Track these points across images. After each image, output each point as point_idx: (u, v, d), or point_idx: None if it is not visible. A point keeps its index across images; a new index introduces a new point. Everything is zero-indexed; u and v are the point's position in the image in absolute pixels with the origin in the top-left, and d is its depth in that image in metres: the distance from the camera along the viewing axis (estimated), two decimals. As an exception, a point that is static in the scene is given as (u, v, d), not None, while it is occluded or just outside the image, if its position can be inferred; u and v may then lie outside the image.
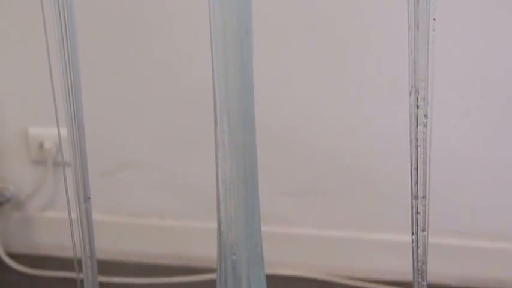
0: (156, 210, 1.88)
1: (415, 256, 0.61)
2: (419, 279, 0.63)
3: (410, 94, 0.58)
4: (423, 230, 0.60)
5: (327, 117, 1.73)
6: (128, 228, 1.90)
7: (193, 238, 1.86)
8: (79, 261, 0.68)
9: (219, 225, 0.64)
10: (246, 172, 0.64)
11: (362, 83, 1.69)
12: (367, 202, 1.77)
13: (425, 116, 0.58)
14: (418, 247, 0.61)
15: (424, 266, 0.63)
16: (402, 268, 1.69)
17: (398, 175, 1.68)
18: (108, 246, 1.87)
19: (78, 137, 0.69)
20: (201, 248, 1.82)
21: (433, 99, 0.62)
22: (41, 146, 1.88)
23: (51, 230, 1.94)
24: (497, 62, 1.62)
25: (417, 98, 0.58)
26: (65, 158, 0.78)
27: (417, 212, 0.59)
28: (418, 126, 0.59)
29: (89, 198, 0.67)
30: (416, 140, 0.59)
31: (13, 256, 1.89)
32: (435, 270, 1.47)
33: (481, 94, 1.65)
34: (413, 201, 0.59)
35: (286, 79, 1.72)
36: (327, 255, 1.81)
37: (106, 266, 1.77)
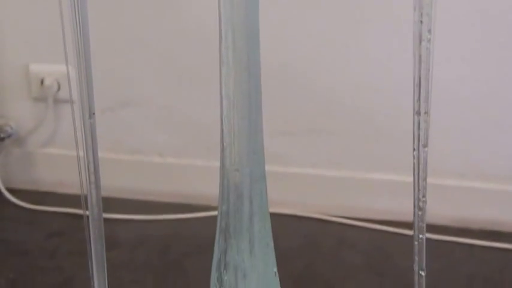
0: (156, 147, 1.89)
1: (415, 177, 0.61)
2: (419, 201, 0.63)
3: (414, 9, 0.58)
4: (424, 146, 0.61)
5: (326, 57, 1.73)
6: (127, 165, 1.91)
7: (193, 176, 1.88)
8: (85, 197, 0.69)
9: (222, 141, 0.65)
10: (249, 88, 0.64)
11: (362, 20, 1.69)
12: (365, 142, 1.78)
13: (429, 31, 0.59)
14: (419, 168, 0.62)
15: (423, 190, 0.64)
16: (399, 208, 1.71)
17: (398, 116, 1.69)
18: (108, 183, 1.86)
19: (86, 72, 0.69)
20: (201, 186, 1.84)
21: (436, 22, 0.62)
22: (41, 82, 1.88)
23: (51, 167, 1.95)
24: (498, 3, 1.62)
25: (421, 14, 0.58)
26: (72, 94, 0.78)
27: (419, 128, 0.60)
28: (422, 42, 0.59)
29: (94, 113, 0.68)
30: (420, 56, 0.60)
31: (13, 191, 1.91)
32: (431, 211, 1.48)
33: (482, 36, 1.65)
34: (415, 116, 0.60)
35: (285, 16, 1.72)
36: (324, 194, 1.82)
37: (105, 203, 1.78)
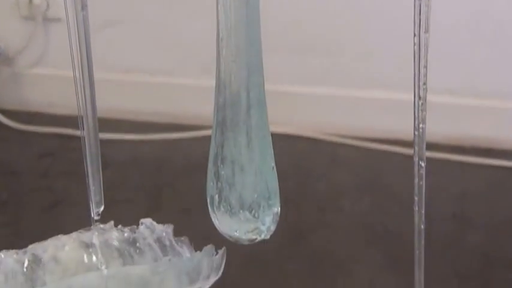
0: (147, 67, 1.87)
1: (416, 64, 0.59)
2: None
3: None
4: (425, 32, 0.59)
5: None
6: (118, 85, 1.89)
7: (185, 95, 1.86)
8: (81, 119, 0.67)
9: (219, 32, 0.62)
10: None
11: None
12: (358, 60, 1.77)
13: None
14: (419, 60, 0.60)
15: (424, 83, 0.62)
16: (392, 127, 1.71)
17: (392, 32, 1.67)
18: (99, 104, 1.86)
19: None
20: (193, 105, 1.83)
21: None
22: (30, 1, 1.85)
23: (41, 87, 1.93)
24: None
25: None
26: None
27: (419, 13, 0.57)
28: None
29: (86, 6, 0.65)
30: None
31: (3, 112, 1.89)
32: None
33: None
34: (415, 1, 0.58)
35: None
36: (316, 112, 1.81)
37: (99, 123, 1.76)
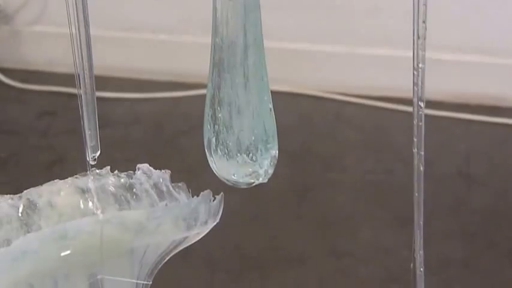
0: (148, 24, 1.85)
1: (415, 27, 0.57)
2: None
3: None
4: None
5: None
6: (119, 43, 1.87)
7: (186, 53, 1.84)
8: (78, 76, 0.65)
9: None
10: None
11: None
12: (363, 17, 1.74)
13: None
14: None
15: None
16: (397, 85, 1.68)
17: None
18: (100, 62, 1.83)
19: None
20: (194, 63, 1.79)
21: None
22: (28, -43, 1.82)
23: (40, 45, 1.90)
24: None
25: None
26: None
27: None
28: None
29: None
30: None
31: (2, 70, 1.87)
32: (428, 86, 1.45)
33: None
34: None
35: None
36: (321, 70, 1.79)
37: (98, 82, 1.74)
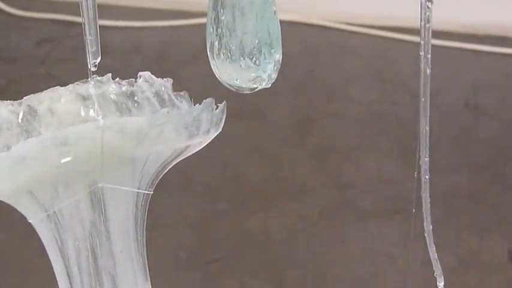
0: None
1: None
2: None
3: None
4: None
5: None
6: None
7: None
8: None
9: None
10: None
11: None
12: None
13: None
14: None
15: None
16: (403, 14, 1.65)
17: None
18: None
19: None
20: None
21: None
22: None
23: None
24: None
25: None
26: None
27: None
28: None
29: None
30: None
31: (2, -1, 1.85)
32: (436, 17, 1.42)
33: None
34: None
35: None
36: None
37: (98, 10, 1.72)
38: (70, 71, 1.55)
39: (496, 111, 1.50)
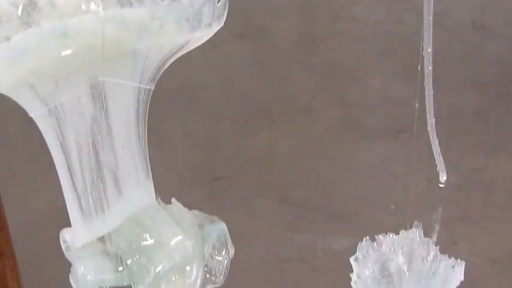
0: None
1: None
2: None
3: None
4: None
5: None
6: None
7: None
8: None
9: None
10: None
11: None
12: None
13: None
14: None
15: None
16: None
17: None
18: None
19: None
20: None
21: None
22: None
23: None
24: None
25: None
26: None
27: None
28: None
29: None
30: None
31: None
32: None
33: None
34: None
35: None
36: None
37: None
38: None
39: (503, 30, 1.48)
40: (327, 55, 1.49)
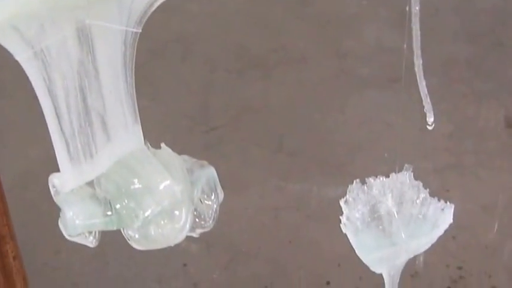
0: None
1: None
2: None
3: None
4: None
5: None
6: None
7: None
8: None
9: None
10: None
11: None
12: None
13: None
14: None
15: None
16: None
17: None
18: None
19: None
20: None
21: None
22: None
23: None
24: None
25: None
26: None
27: None
28: None
29: None
30: None
31: None
32: None
33: None
34: None
35: None
36: None
37: None
38: None
39: (498, -21, 1.48)
40: (321, 5, 1.48)
